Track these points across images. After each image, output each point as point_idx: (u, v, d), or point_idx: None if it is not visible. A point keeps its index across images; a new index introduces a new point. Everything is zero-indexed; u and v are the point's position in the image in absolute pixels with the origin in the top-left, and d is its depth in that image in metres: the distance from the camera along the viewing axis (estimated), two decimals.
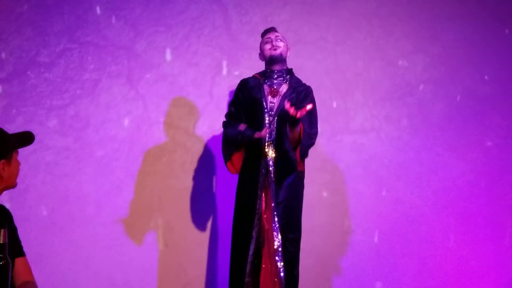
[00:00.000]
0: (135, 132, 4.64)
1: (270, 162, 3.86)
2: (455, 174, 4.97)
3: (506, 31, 5.10)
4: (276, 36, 4.00)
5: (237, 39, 4.79)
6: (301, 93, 3.93)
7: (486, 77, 5.08)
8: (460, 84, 5.04)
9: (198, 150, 4.70)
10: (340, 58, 4.93)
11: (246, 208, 3.90)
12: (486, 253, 4.94)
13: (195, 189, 4.66)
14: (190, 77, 4.74)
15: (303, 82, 4.05)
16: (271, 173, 3.85)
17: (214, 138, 4.69)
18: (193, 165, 4.70)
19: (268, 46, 3.97)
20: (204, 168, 4.64)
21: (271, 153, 3.88)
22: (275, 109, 3.90)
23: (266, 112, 3.91)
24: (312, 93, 4.01)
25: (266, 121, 3.89)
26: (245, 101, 4.02)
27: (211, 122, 4.70)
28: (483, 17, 5.11)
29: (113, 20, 4.67)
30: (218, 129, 4.48)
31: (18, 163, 2.67)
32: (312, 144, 3.92)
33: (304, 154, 3.88)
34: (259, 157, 3.89)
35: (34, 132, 2.75)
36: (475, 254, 4.94)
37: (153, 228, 4.62)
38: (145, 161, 4.63)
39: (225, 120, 4.13)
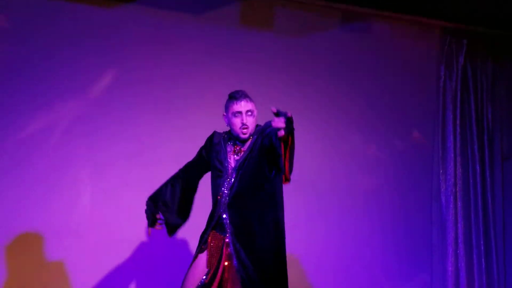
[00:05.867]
0: None
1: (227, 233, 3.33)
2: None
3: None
4: (247, 112, 3.39)
5: None
6: (261, 134, 3.39)
7: None
8: None
9: None
10: None
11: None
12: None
13: None
14: None
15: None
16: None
17: None
18: None
19: (237, 124, 3.39)
20: None
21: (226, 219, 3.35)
22: (237, 166, 3.40)
23: (226, 173, 3.40)
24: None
25: (226, 183, 3.39)
26: (210, 152, 3.52)
27: None
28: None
29: None
30: None
31: None
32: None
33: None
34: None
35: None
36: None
37: None
38: None
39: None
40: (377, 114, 5.21)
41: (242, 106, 3.38)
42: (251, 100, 3.42)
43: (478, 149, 5.25)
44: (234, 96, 3.42)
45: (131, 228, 4.41)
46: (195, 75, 4.72)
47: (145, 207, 3.59)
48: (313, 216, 4.91)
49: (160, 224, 3.57)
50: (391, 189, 5.13)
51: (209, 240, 3.36)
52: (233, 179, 3.36)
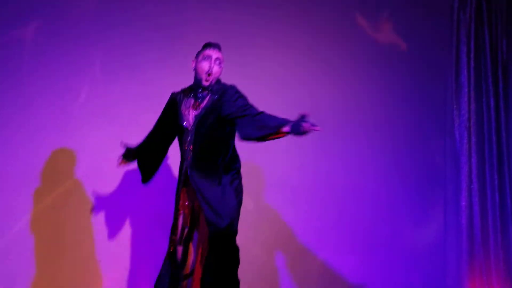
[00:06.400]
0: None
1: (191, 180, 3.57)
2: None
3: None
4: (216, 59, 3.60)
5: None
6: (223, 95, 3.61)
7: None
8: None
9: None
10: None
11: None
12: None
13: None
14: None
15: (228, 84, 3.69)
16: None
17: None
18: None
19: (204, 67, 3.58)
20: None
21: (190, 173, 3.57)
22: (196, 122, 3.60)
23: (187, 129, 3.62)
24: (235, 89, 3.63)
25: (188, 139, 3.60)
26: (172, 115, 3.73)
27: None
28: None
29: None
30: None
31: None
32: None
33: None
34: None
35: None
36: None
37: None
38: None
39: None
40: (390, 49, 5.13)
41: (214, 52, 3.61)
42: (222, 53, 3.66)
43: (492, 83, 5.13)
44: (209, 44, 3.67)
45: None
46: (205, 14, 4.75)
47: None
48: (318, 152, 4.91)
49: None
50: (403, 125, 5.07)
51: (181, 198, 3.63)
52: (193, 136, 3.57)
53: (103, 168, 4.43)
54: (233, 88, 3.62)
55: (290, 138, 3.43)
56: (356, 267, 4.89)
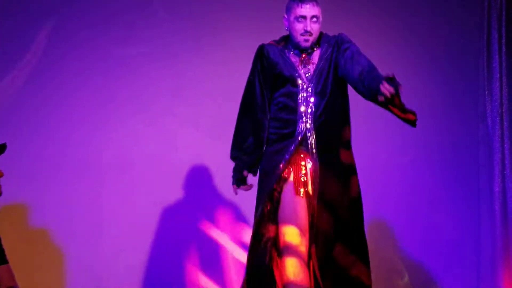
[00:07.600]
0: None
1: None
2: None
3: None
4: (313, 17, 2.99)
5: None
6: (335, 45, 3.08)
7: None
8: None
9: None
10: None
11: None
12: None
13: None
14: None
15: (331, 35, 3.16)
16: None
17: None
18: None
19: (299, 29, 3.00)
20: None
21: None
22: (311, 79, 3.05)
23: (300, 86, 3.05)
24: (346, 37, 3.11)
25: (300, 96, 3.04)
26: (269, 71, 3.10)
27: None
28: None
29: None
30: None
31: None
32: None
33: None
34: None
35: None
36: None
37: None
38: None
39: (238, 115, 3.25)
40: (420, 36, 5.09)
41: (308, 10, 3.00)
42: (317, 4, 3.06)
43: None
44: None
45: (174, 157, 4.52)
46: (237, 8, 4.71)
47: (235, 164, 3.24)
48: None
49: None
50: (434, 111, 5.02)
51: (295, 160, 3.09)
52: (309, 94, 3.05)
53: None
54: (347, 39, 3.11)
55: None
56: (390, 254, 4.93)
